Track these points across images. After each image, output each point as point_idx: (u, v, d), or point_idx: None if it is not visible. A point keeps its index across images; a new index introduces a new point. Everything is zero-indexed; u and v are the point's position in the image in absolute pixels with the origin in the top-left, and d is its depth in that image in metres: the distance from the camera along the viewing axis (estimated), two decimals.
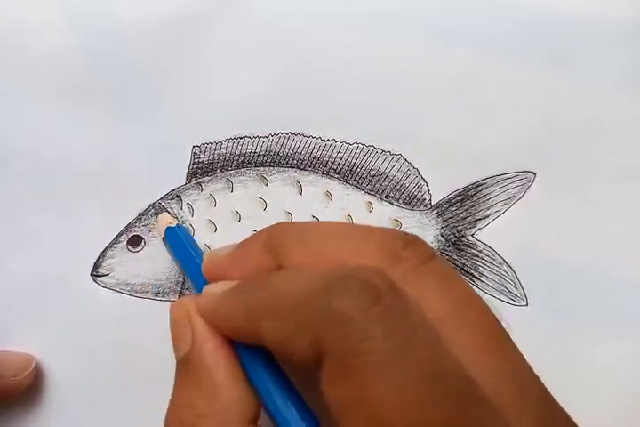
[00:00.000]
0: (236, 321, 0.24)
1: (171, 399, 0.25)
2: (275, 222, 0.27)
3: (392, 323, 0.20)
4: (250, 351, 0.24)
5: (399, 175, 0.35)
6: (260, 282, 0.24)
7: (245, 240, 0.27)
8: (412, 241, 0.24)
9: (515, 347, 0.23)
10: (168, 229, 0.32)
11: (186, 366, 0.25)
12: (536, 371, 0.23)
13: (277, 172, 0.34)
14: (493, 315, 0.23)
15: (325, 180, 0.35)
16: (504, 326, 0.23)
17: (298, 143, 0.34)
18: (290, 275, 0.23)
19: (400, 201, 0.35)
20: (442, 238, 0.34)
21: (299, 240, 0.25)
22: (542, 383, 0.23)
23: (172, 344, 0.26)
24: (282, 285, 0.23)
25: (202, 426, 0.23)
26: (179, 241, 0.31)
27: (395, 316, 0.20)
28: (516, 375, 0.22)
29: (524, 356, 0.23)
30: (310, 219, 0.34)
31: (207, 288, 0.26)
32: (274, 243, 0.25)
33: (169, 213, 0.33)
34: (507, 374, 0.22)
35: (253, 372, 0.24)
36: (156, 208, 0.34)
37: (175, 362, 0.26)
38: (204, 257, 0.28)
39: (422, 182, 0.35)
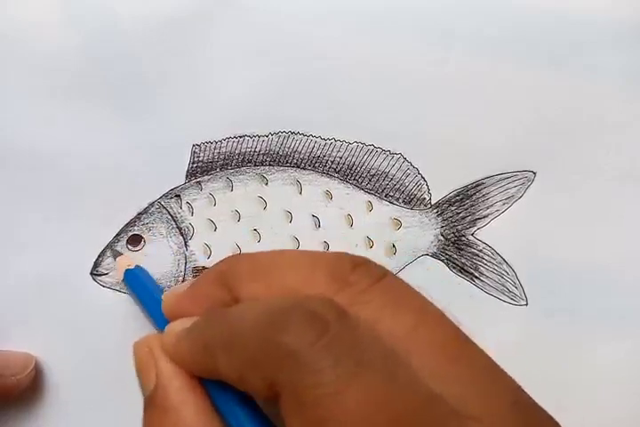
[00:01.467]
0: (195, 357, 0.24)
1: None
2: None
3: (341, 350, 0.20)
4: (219, 386, 0.24)
5: (399, 174, 0.35)
6: (213, 317, 0.24)
7: (199, 277, 0.27)
8: (361, 263, 0.24)
9: (478, 351, 0.22)
10: (127, 271, 0.32)
11: (153, 405, 0.25)
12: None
13: (277, 171, 0.34)
14: (451, 323, 0.23)
15: (325, 179, 0.35)
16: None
17: (298, 142, 0.34)
18: (241, 309, 0.23)
19: (400, 200, 0.35)
20: (442, 238, 0.34)
21: (249, 272, 0.25)
22: (517, 385, 0.22)
23: (138, 382, 0.26)
24: (233, 319, 0.23)
25: None
26: (138, 282, 0.32)
27: (342, 344, 0.20)
28: (484, 381, 0.21)
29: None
30: (310, 218, 0.34)
31: (169, 327, 0.26)
32: (226, 277, 0.25)
33: (122, 254, 0.34)
34: (472, 382, 0.21)
35: (224, 406, 0.24)
36: (113, 252, 0.34)
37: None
38: (162, 297, 0.28)
39: (422, 182, 0.35)
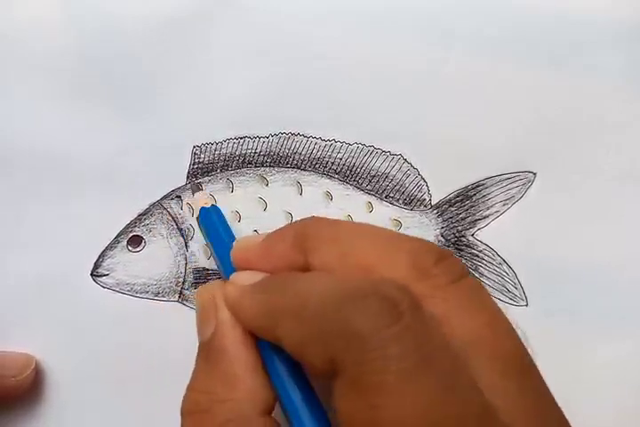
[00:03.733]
0: (256, 317, 0.24)
1: (190, 382, 0.25)
2: (303, 219, 0.27)
3: (410, 343, 0.19)
4: (270, 347, 0.24)
5: (399, 175, 0.35)
6: (283, 282, 0.24)
7: (275, 232, 0.27)
8: (445, 257, 0.23)
9: (537, 373, 0.23)
10: (203, 209, 0.31)
11: (207, 351, 0.25)
12: None
13: (277, 172, 0.34)
14: (518, 339, 0.23)
15: (325, 180, 0.35)
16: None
17: (298, 143, 0.34)
18: (313, 280, 0.23)
19: (400, 201, 0.35)
20: (442, 238, 0.35)
21: (328, 239, 0.24)
22: (560, 411, 0.22)
23: (197, 327, 0.26)
24: (304, 289, 0.22)
25: (217, 411, 0.24)
26: (211, 223, 0.31)
27: (413, 335, 0.20)
28: (535, 403, 0.21)
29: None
30: None
31: (234, 277, 0.26)
32: (303, 239, 0.25)
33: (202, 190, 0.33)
34: (525, 401, 0.21)
35: (272, 367, 0.24)
36: (193, 186, 0.33)
37: (191, 352, 0.26)
38: (233, 244, 0.28)
39: (422, 182, 0.35)
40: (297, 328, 0.22)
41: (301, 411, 0.23)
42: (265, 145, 0.34)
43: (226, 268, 0.28)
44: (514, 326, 0.23)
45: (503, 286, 0.34)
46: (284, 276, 0.25)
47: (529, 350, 0.23)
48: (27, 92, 0.34)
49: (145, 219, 0.34)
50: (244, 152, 0.34)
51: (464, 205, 0.34)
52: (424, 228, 0.35)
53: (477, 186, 0.34)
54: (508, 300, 0.34)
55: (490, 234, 0.34)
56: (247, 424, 0.23)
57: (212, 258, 0.34)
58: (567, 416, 0.23)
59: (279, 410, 0.25)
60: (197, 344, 0.27)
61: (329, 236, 0.25)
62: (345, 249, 0.24)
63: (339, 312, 0.20)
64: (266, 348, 0.25)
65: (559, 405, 0.23)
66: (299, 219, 0.28)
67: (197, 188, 0.33)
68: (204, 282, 0.34)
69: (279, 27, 0.35)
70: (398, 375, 0.19)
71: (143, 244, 0.34)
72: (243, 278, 0.26)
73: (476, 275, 0.34)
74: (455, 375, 0.20)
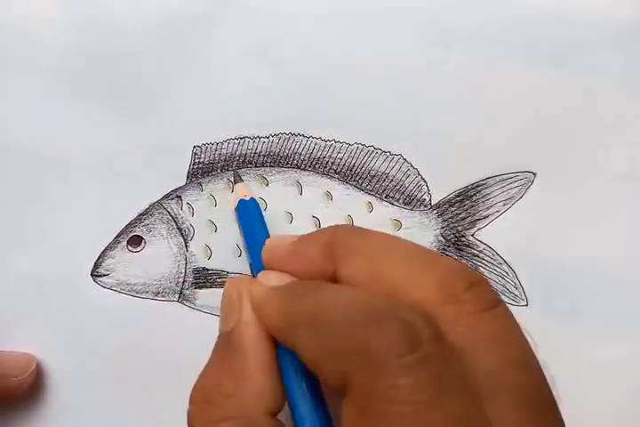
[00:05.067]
0: (276, 321, 0.24)
1: (204, 368, 0.25)
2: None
3: (424, 375, 0.19)
4: (287, 350, 0.24)
5: (399, 175, 0.35)
6: (308, 290, 0.24)
7: (308, 236, 0.27)
8: (477, 283, 0.22)
9: (558, 414, 0.22)
10: (241, 201, 0.31)
11: (225, 344, 0.25)
12: None
13: (278, 172, 0.34)
14: (544, 381, 0.22)
15: (325, 180, 0.35)
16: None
17: (298, 144, 0.34)
18: (337, 293, 0.22)
19: (400, 201, 0.35)
20: (442, 238, 0.35)
21: (359, 252, 0.24)
22: None
23: (220, 318, 0.26)
24: (326, 301, 0.22)
25: (223, 405, 0.24)
26: (247, 216, 0.31)
27: (429, 367, 0.19)
28: None
29: None
30: (310, 219, 0.34)
31: (262, 277, 0.26)
32: (334, 247, 0.25)
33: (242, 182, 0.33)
34: None
35: (286, 369, 0.24)
36: (235, 175, 0.33)
37: (208, 345, 0.26)
38: (266, 242, 0.28)
39: (422, 182, 0.35)
40: (314, 340, 0.21)
41: (307, 418, 0.23)
42: (265, 145, 0.34)
43: (256, 264, 0.28)
44: (536, 357, 0.22)
45: (503, 286, 0.34)
46: (309, 284, 0.24)
47: (552, 387, 0.22)
48: (27, 92, 0.34)
49: (145, 219, 0.34)
50: (244, 152, 0.34)
51: (464, 205, 0.34)
52: (424, 228, 0.35)
53: (477, 186, 0.34)
54: (508, 300, 0.34)
55: (490, 234, 0.34)
56: (250, 423, 0.23)
57: (212, 258, 0.34)
58: (566, 416, 0.22)
59: (289, 412, 0.25)
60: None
61: (360, 248, 0.24)
62: (374, 265, 0.23)
63: (358, 331, 0.20)
64: (283, 350, 0.25)
65: (558, 405, 0.23)
66: (332, 224, 0.28)
67: (238, 178, 0.33)
68: (204, 282, 0.34)
69: (279, 27, 0.35)
70: (406, 407, 0.18)
71: (143, 244, 0.34)
72: (270, 279, 0.26)
73: None
74: (467, 415, 0.19)
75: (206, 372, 0.25)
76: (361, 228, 0.26)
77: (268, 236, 0.30)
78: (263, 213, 0.32)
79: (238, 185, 0.33)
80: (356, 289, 0.23)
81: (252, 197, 0.31)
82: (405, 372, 0.19)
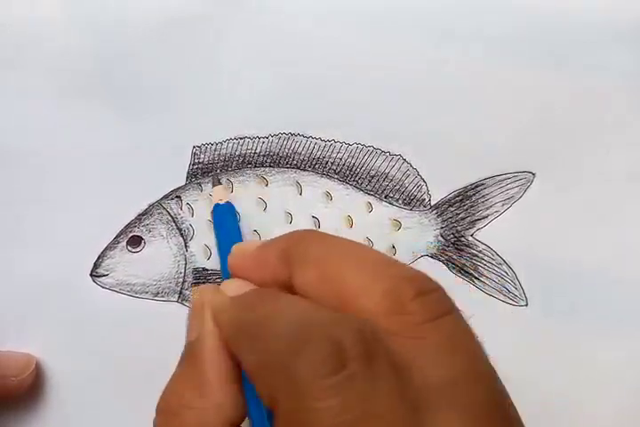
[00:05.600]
0: (228, 332, 0.23)
1: (169, 380, 0.25)
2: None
3: (352, 395, 0.18)
4: None
5: (399, 175, 0.35)
6: (257, 301, 0.23)
7: (269, 241, 0.26)
8: (426, 291, 0.21)
9: (515, 421, 0.20)
10: (216, 206, 0.31)
11: (187, 354, 0.25)
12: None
13: (277, 172, 0.34)
14: (498, 392, 0.20)
15: (325, 180, 0.35)
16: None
17: (298, 144, 0.34)
18: (284, 305, 0.22)
19: (400, 201, 0.35)
20: (441, 239, 0.34)
21: (313, 259, 0.23)
22: None
23: (186, 327, 0.26)
24: (270, 314, 0.21)
25: (183, 417, 0.23)
26: (222, 221, 0.30)
27: (357, 387, 0.18)
28: None
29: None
30: (310, 219, 0.34)
31: (224, 286, 0.26)
32: (290, 252, 0.24)
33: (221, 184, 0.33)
34: None
35: (246, 381, 0.24)
36: (214, 179, 0.33)
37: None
38: (232, 248, 0.27)
39: (422, 183, 0.35)
40: (252, 354, 0.21)
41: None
42: (265, 145, 0.34)
43: (224, 271, 0.28)
44: (493, 370, 0.21)
45: (503, 286, 0.34)
46: (263, 293, 0.24)
47: (510, 397, 0.21)
48: (27, 92, 0.35)
49: (145, 219, 0.34)
50: (243, 152, 0.34)
51: (463, 205, 0.34)
52: (423, 228, 0.35)
53: (477, 186, 0.34)
54: (507, 300, 0.34)
55: (489, 234, 0.34)
56: None
57: (211, 258, 0.34)
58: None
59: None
60: None
61: (315, 254, 0.23)
62: (327, 272, 0.22)
63: (287, 350, 0.19)
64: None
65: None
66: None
67: (217, 181, 0.33)
68: (204, 282, 0.34)
69: (279, 27, 0.35)
70: None
71: (143, 244, 0.34)
72: (230, 288, 0.25)
73: (476, 275, 0.34)
74: None
75: (170, 383, 0.25)
76: (320, 233, 0.26)
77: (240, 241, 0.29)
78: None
79: (216, 188, 0.32)
80: (302, 301, 0.22)
81: (227, 202, 0.31)
82: (328, 394, 0.18)
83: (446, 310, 0.21)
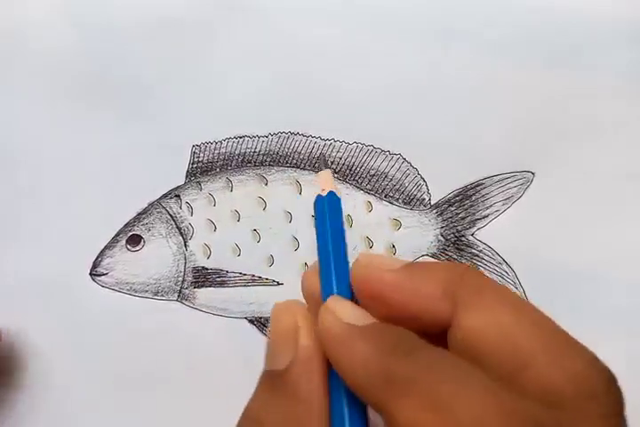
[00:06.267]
0: (366, 376, 0.19)
1: (248, 407, 0.21)
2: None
3: None
4: (348, 396, 0.20)
5: (398, 175, 0.35)
6: (415, 348, 0.19)
7: (422, 265, 0.21)
8: (614, 381, 0.19)
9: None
10: (318, 198, 0.23)
11: (276, 383, 0.21)
12: None
13: (277, 171, 0.34)
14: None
15: None
16: None
17: (297, 143, 0.34)
18: (461, 380, 0.18)
19: (399, 201, 0.35)
20: (442, 238, 0.34)
21: (488, 303, 0.20)
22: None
23: (267, 351, 0.22)
24: (439, 381, 0.18)
25: None
26: (322, 219, 0.23)
27: None
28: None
29: None
30: (310, 218, 0.34)
31: (336, 307, 0.21)
32: (456, 289, 0.20)
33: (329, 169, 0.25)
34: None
35: (338, 413, 0.20)
36: (322, 159, 0.28)
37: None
38: (359, 259, 0.22)
39: (422, 182, 0.35)
40: (424, 421, 0.17)
41: None
42: (264, 144, 0.34)
43: (327, 282, 0.22)
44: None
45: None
46: (410, 337, 0.20)
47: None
48: (27, 92, 0.35)
49: (144, 218, 0.34)
50: (243, 151, 0.34)
51: (463, 205, 0.34)
52: (423, 227, 0.35)
53: (477, 186, 0.34)
54: None
55: (489, 234, 0.34)
56: None
57: (211, 257, 0.34)
58: None
59: None
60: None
61: (489, 298, 0.20)
62: (506, 325, 0.19)
63: None
64: (340, 394, 0.20)
65: None
66: (453, 262, 0.25)
67: (325, 163, 0.28)
68: (204, 281, 0.34)
69: (279, 27, 0.35)
70: None
71: (142, 243, 0.34)
72: (348, 314, 0.20)
73: None
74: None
75: (252, 412, 0.21)
76: (487, 277, 0.21)
77: (345, 247, 0.23)
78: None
79: (322, 173, 0.24)
80: (478, 371, 0.18)
81: (330, 191, 0.23)
82: None
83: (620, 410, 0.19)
